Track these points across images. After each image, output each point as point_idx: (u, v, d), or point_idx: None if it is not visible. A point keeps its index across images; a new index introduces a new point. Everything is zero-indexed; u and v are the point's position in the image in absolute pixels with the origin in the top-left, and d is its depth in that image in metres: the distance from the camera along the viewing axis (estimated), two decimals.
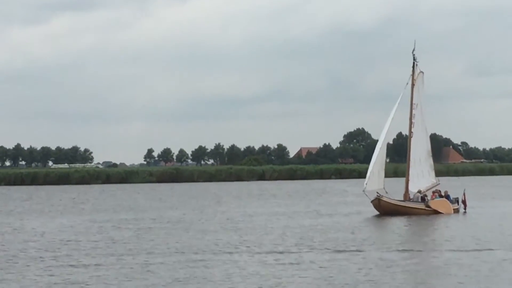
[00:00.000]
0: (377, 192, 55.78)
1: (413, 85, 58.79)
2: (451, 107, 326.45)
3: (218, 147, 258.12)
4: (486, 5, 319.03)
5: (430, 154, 60.32)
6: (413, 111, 58.69)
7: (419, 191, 57.45)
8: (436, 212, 55.24)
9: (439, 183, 59.46)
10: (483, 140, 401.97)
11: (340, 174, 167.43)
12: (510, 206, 64.22)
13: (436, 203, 56.08)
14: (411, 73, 59.12)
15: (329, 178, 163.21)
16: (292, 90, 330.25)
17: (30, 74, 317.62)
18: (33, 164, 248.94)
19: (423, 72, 59.67)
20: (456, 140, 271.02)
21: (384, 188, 56.75)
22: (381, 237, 41.83)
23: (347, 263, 30.94)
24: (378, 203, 55.43)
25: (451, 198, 57.68)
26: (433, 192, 57.64)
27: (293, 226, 47.29)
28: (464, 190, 60.19)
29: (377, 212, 55.62)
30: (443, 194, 57.67)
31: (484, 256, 32.42)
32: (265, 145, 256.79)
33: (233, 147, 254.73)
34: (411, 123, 58.68)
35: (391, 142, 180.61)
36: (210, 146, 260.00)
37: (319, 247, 36.09)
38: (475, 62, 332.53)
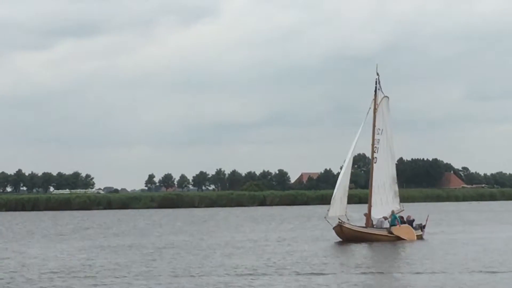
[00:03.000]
0: (339, 219, 55.79)
1: (375, 109, 58.67)
2: (452, 132, 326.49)
3: (219, 172, 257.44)
4: (486, 30, 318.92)
5: (395, 180, 58.98)
6: (378, 137, 58.08)
7: (385, 218, 57.26)
8: (399, 239, 54.99)
9: (403, 209, 58.96)
10: (484, 165, 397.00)
11: None
12: (487, 232, 63.91)
13: (399, 230, 55.59)
14: (373, 97, 58.74)
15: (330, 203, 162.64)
16: (293, 115, 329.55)
17: (32, 100, 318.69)
18: (34, 190, 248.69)
19: (387, 97, 58.89)
20: (457, 165, 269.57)
21: (346, 214, 56.73)
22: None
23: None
24: (340, 229, 55.32)
25: (415, 225, 57.28)
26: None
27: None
28: (428, 215, 60.00)
29: (339, 239, 55.72)
30: (405, 219, 57.41)
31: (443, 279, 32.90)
32: (266, 170, 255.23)
33: (234, 173, 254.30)
34: (373, 148, 58.52)
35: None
36: (211, 172, 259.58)
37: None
38: (475, 86, 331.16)
